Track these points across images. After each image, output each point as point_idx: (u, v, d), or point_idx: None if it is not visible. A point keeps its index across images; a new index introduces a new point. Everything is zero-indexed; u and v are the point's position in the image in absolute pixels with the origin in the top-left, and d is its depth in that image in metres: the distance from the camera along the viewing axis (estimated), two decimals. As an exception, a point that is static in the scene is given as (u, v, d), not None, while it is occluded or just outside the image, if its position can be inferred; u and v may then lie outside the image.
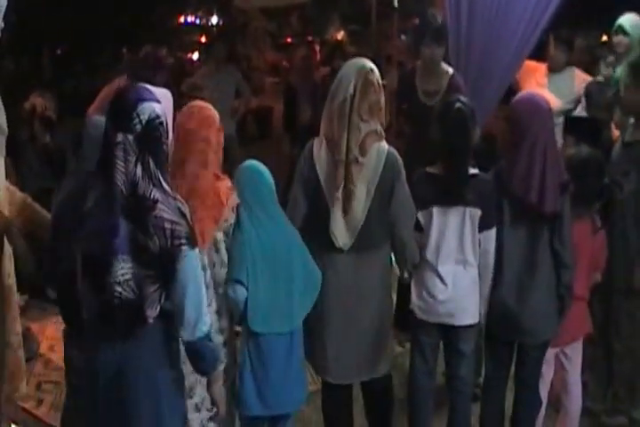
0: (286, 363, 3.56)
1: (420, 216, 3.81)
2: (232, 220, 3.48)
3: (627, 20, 5.84)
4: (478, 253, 3.82)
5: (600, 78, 5.83)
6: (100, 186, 2.76)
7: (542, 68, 6.15)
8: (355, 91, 3.63)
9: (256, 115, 13.28)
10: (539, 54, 6.02)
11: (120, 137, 2.73)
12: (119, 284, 2.72)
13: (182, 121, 3.50)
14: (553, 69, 6.13)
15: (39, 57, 12.43)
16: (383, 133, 3.74)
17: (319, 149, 3.75)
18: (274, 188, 3.62)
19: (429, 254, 3.84)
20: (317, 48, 10.97)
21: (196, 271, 2.89)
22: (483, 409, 4.11)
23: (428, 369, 3.99)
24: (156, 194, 2.75)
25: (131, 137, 2.73)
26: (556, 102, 5.70)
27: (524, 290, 3.82)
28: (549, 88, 5.97)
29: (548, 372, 4.17)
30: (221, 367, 3.35)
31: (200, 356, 2.96)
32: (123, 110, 2.76)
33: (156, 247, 2.74)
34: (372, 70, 3.70)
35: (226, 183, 3.51)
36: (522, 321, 3.84)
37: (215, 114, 3.55)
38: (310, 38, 15.46)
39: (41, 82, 10.08)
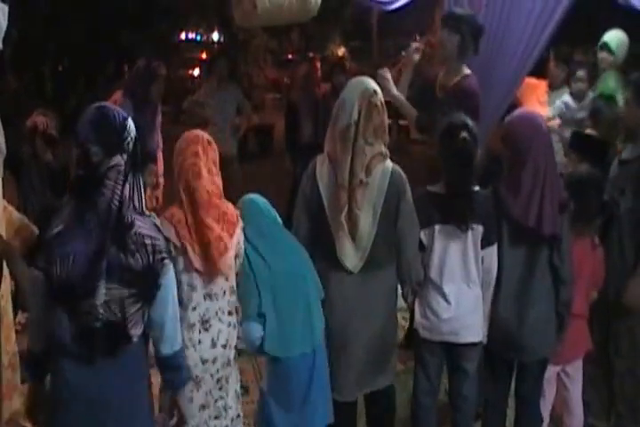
0: (310, 382, 3.54)
1: (423, 235, 3.80)
2: (242, 243, 3.48)
3: (612, 37, 5.92)
4: (481, 269, 3.81)
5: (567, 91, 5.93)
6: (86, 208, 2.72)
7: (543, 85, 6.19)
8: (359, 116, 3.61)
9: (257, 132, 13.32)
10: (539, 71, 6.05)
11: (116, 159, 2.71)
12: (102, 305, 2.71)
13: (176, 149, 3.51)
14: (553, 87, 6.15)
15: (41, 74, 12.47)
16: (387, 153, 3.73)
17: (322, 167, 3.74)
18: (277, 217, 3.66)
19: (433, 273, 3.82)
20: (318, 64, 10.96)
21: (174, 285, 2.92)
22: (484, 427, 4.10)
23: (432, 388, 3.97)
24: (137, 211, 2.76)
25: (125, 156, 2.73)
26: (556, 120, 5.73)
27: (522, 307, 3.80)
28: (550, 105, 6.00)
29: (549, 391, 4.16)
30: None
31: (177, 368, 3.01)
32: (115, 133, 2.73)
33: (138, 265, 2.74)
34: (375, 92, 3.68)
35: (230, 205, 3.51)
36: (521, 338, 3.82)
37: (204, 135, 3.52)
38: (311, 55, 15.51)
39: (43, 99, 10.10)
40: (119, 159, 2.72)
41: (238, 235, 3.45)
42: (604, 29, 6.16)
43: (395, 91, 5.05)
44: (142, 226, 2.76)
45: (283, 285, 3.48)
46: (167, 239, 2.85)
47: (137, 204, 2.77)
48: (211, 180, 3.42)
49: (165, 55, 11.23)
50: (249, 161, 10.15)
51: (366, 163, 3.62)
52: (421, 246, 3.81)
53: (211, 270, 3.35)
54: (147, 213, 2.82)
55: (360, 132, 3.61)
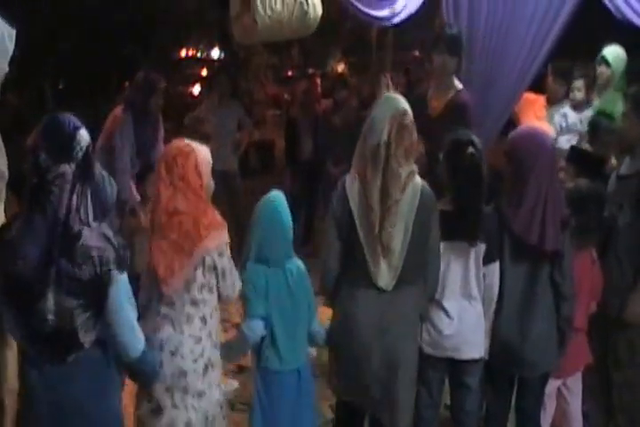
0: (297, 400, 3.61)
1: None
2: (222, 253, 3.42)
3: (610, 52, 6.03)
4: (482, 286, 3.82)
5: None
6: (36, 214, 2.77)
7: (541, 100, 6.21)
8: (389, 137, 3.55)
9: (258, 148, 13.34)
10: (537, 86, 6.07)
11: (62, 168, 2.76)
12: (51, 313, 2.76)
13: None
14: (551, 102, 6.18)
15: (41, 92, 12.49)
16: (417, 170, 3.70)
17: (352, 187, 3.66)
18: (290, 225, 3.66)
19: None
20: (318, 81, 11.01)
21: (127, 294, 2.92)
22: (485, 441, 4.10)
23: (433, 402, 3.97)
24: (83, 222, 2.79)
25: (73, 165, 2.78)
26: (555, 134, 5.74)
27: (524, 323, 3.81)
28: (549, 120, 6.02)
29: (550, 405, 4.17)
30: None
31: (142, 373, 3.07)
32: (63, 141, 2.78)
33: (85, 276, 2.77)
34: (405, 113, 3.62)
35: (211, 217, 3.41)
36: (523, 354, 3.83)
37: (176, 148, 3.45)
38: (311, 71, 15.55)
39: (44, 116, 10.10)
40: (66, 168, 2.77)
41: (205, 250, 3.35)
42: (604, 45, 6.21)
43: None
44: (89, 236, 2.78)
45: (278, 300, 3.57)
46: (117, 249, 2.85)
47: (83, 215, 2.80)
48: (175, 198, 3.35)
49: (166, 72, 11.26)
50: (250, 177, 10.16)
51: (402, 184, 3.59)
52: None
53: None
54: (93, 224, 2.82)
55: (392, 153, 3.56)
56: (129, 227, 5.64)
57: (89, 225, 2.81)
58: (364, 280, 3.64)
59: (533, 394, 4.00)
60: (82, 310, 2.80)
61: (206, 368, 3.40)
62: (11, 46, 3.47)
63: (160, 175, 3.38)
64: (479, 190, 3.74)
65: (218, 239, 3.38)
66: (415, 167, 3.68)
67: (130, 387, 3.49)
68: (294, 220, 3.76)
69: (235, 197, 7.75)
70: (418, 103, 5.19)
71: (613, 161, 4.84)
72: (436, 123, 4.87)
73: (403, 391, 3.71)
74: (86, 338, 2.83)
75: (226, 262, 3.43)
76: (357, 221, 3.63)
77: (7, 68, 3.48)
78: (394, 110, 3.61)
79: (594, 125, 5.26)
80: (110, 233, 2.87)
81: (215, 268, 3.40)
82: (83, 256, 2.76)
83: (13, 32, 3.49)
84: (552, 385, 4.11)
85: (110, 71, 12.23)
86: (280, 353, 3.60)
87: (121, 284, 2.87)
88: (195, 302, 3.38)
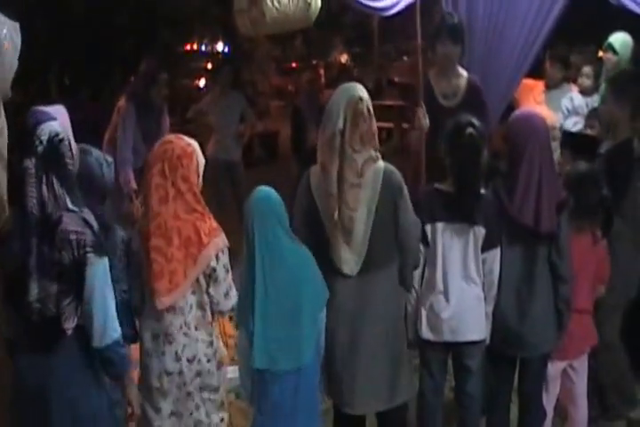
0: (295, 401, 3.48)
1: (428, 230, 3.82)
2: (221, 260, 3.42)
3: (617, 39, 6.05)
4: (482, 271, 3.85)
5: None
6: (17, 207, 2.92)
7: (540, 85, 6.25)
8: (344, 124, 3.58)
9: (262, 138, 13.36)
10: (536, 72, 6.11)
11: (26, 162, 2.88)
12: (37, 301, 2.88)
13: (146, 161, 3.48)
14: (549, 86, 6.23)
15: (46, 88, 12.54)
16: (379, 156, 3.70)
17: (314, 177, 3.71)
18: (284, 215, 3.52)
19: (433, 271, 3.86)
20: (322, 71, 11.04)
21: (103, 279, 2.98)
22: (488, 424, 4.13)
23: (436, 386, 4.00)
24: (61, 209, 2.91)
25: (34, 159, 2.88)
26: (554, 118, 5.79)
27: (523, 305, 3.84)
28: (547, 104, 6.07)
29: (554, 387, 4.18)
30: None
31: (110, 362, 3.06)
32: (25, 137, 2.91)
33: (66, 260, 2.90)
34: (360, 99, 3.63)
35: (210, 223, 3.40)
36: (522, 335, 3.86)
37: (179, 147, 3.38)
38: (315, 62, 15.57)
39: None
40: (28, 163, 2.88)
41: (208, 257, 3.36)
42: (601, 30, 6.24)
43: None
44: (69, 222, 2.90)
45: (275, 297, 3.42)
46: (97, 234, 2.96)
47: (61, 201, 2.92)
48: (176, 200, 3.35)
49: (170, 66, 11.29)
50: (254, 167, 10.20)
51: (359, 169, 3.61)
52: (425, 242, 3.84)
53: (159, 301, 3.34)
54: (73, 208, 2.95)
55: (347, 140, 3.59)
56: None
57: (68, 210, 2.93)
58: (329, 266, 3.64)
59: (534, 376, 4.03)
60: (65, 295, 2.91)
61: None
62: (18, 40, 3.47)
63: (162, 175, 3.33)
64: (477, 171, 3.77)
65: (216, 247, 3.38)
66: (376, 154, 3.68)
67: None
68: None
69: (238, 187, 7.82)
70: (425, 90, 5.28)
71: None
72: (456, 112, 4.83)
73: (361, 375, 3.70)
74: (67, 325, 2.93)
75: (222, 269, 3.43)
76: (320, 208, 3.66)
77: (16, 63, 3.48)
78: (349, 98, 3.64)
79: (593, 111, 5.31)
80: (91, 217, 2.98)
81: (211, 274, 3.42)
82: (62, 241, 2.88)
83: (17, 24, 3.48)
84: (557, 367, 4.13)
85: (114, 66, 12.28)
86: (269, 352, 3.42)
87: (98, 267, 2.95)
88: (202, 306, 3.44)
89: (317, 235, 3.69)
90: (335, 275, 3.67)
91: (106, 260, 2.99)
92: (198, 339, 3.43)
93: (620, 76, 4.98)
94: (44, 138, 2.91)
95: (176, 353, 3.40)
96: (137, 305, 3.41)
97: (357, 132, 3.60)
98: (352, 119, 3.60)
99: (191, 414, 3.48)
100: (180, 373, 3.41)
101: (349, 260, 3.66)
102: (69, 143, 3.01)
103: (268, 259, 3.42)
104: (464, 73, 5.32)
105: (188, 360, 3.42)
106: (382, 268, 3.72)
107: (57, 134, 2.94)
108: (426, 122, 5.14)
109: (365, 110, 3.64)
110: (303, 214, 3.75)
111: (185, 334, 3.40)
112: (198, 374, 3.45)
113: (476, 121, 3.82)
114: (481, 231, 3.80)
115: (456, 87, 5.31)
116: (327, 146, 3.64)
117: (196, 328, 3.43)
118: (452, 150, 3.81)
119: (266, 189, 3.54)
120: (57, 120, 2.99)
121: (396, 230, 3.72)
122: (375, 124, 3.70)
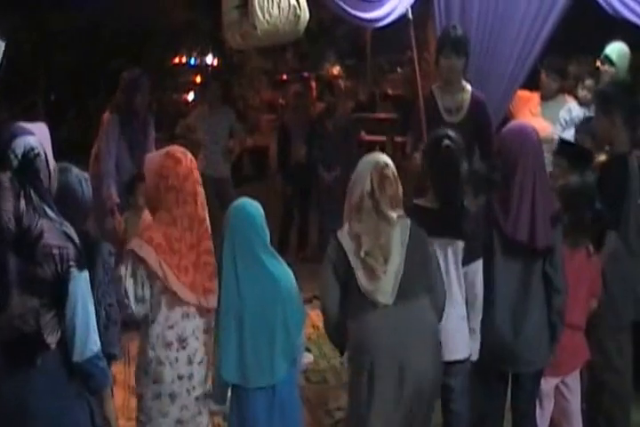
0: (269, 419, 3.51)
1: None
2: None
3: (613, 50, 6.08)
4: (464, 287, 3.81)
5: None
6: None
7: (535, 97, 6.23)
8: (372, 187, 3.62)
9: (252, 153, 13.28)
10: (531, 84, 6.09)
11: (1, 176, 2.82)
12: (18, 317, 2.81)
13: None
14: (545, 98, 6.17)
15: (33, 104, 12.47)
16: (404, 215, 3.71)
17: (343, 234, 3.68)
18: (264, 228, 3.59)
19: None
20: (313, 84, 10.94)
21: (86, 292, 2.95)
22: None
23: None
24: (41, 223, 2.83)
25: (9, 174, 2.82)
26: (550, 130, 5.73)
27: (518, 320, 3.81)
28: (543, 116, 6.01)
29: (548, 404, 4.15)
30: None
31: (89, 375, 3.00)
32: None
33: (47, 275, 2.83)
34: (386, 165, 3.69)
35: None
36: (517, 351, 3.83)
37: (194, 163, 3.55)
38: (306, 74, 15.51)
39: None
40: (3, 177, 2.82)
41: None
42: (598, 41, 6.25)
43: None
44: (51, 237, 2.84)
45: (250, 312, 3.49)
46: (78, 248, 2.90)
47: (40, 210, 2.86)
48: (185, 210, 3.52)
49: (159, 80, 11.22)
50: (244, 183, 10.11)
51: (391, 222, 3.62)
52: None
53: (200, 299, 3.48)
54: (53, 216, 2.90)
55: (378, 199, 3.62)
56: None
57: (48, 218, 2.87)
58: (365, 303, 3.59)
59: (528, 392, 3.99)
60: (46, 310, 2.84)
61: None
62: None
63: (175, 188, 3.45)
64: (457, 184, 3.78)
65: None
66: (403, 213, 3.70)
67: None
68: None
69: (227, 204, 7.67)
70: (427, 104, 5.21)
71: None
72: (461, 128, 4.69)
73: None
74: (50, 339, 2.87)
75: None
76: (351, 258, 3.62)
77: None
78: (374, 164, 3.70)
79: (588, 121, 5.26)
80: (72, 231, 2.93)
81: None
82: (44, 255, 2.82)
83: (3, 44, 3.53)
84: (550, 383, 4.10)
85: (101, 80, 12.21)
86: (242, 368, 3.49)
87: (79, 281, 2.90)
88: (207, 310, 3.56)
89: (350, 280, 3.64)
90: (368, 308, 3.60)
91: (87, 273, 2.95)
92: (206, 342, 3.56)
93: (606, 89, 4.90)
94: (19, 151, 2.85)
95: (189, 357, 3.50)
96: (139, 318, 3.49)
97: (385, 195, 3.64)
98: (379, 182, 3.64)
99: (194, 418, 3.55)
100: (191, 376, 3.50)
101: (386, 289, 3.59)
102: (46, 159, 2.96)
103: (245, 270, 3.51)
104: (468, 87, 5.24)
105: (199, 363, 3.53)
106: (417, 297, 3.64)
107: (32, 149, 2.87)
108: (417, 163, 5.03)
109: (391, 175, 3.69)
110: (334, 268, 3.68)
111: (197, 338, 3.52)
112: (206, 378, 3.56)
113: (452, 133, 3.82)
114: (459, 245, 3.78)
115: (460, 102, 5.27)
116: (356, 208, 3.67)
117: (204, 331, 3.55)
118: (431, 164, 3.85)
119: (246, 201, 3.68)
120: (34, 135, 2.94)
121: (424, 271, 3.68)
122: (401, 190, 3.73)
